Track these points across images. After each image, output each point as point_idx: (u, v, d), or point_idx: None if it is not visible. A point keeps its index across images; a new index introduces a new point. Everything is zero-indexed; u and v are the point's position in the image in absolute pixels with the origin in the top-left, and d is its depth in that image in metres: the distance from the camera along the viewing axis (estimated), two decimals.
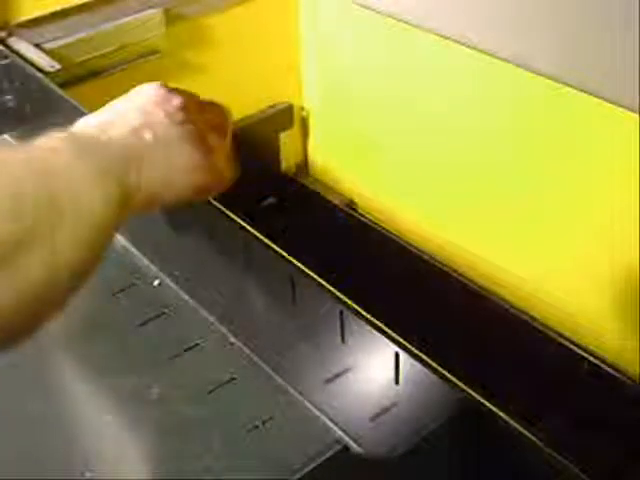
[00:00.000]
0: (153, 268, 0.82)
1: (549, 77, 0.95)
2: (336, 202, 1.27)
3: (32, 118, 0.94)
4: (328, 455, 0.63)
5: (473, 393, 0.60)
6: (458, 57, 1.05)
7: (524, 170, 1.04)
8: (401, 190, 1.22)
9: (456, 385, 0.60)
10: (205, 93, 1.18)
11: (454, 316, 1.08)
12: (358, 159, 1.28)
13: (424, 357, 0.62)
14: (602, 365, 0.97)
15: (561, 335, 1.02)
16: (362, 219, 1.24)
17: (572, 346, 1.00)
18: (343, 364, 0.68)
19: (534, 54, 0.96)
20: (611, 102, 0.90)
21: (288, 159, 1.33)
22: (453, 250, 1.15)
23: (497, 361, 1.02)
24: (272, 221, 1.25)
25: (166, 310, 0.78)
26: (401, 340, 0.63)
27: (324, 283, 0.67)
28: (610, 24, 0.89)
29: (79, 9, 1.02)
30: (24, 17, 0.99)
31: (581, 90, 0.92)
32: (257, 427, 0.68)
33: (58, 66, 0.90)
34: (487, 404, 0.59)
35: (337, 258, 1.16)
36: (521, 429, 0.57)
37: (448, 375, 0.61)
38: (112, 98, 1.05)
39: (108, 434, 0.70)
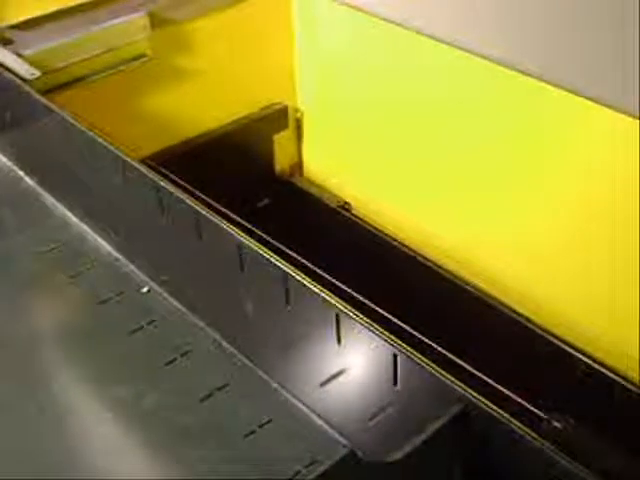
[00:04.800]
0: (141, 275, 0.81)
1: (539, 78, 0.94)
2: (330, 203, 1.27)
3: (13, 126, 0.93)
4: (336, 456, 0.62)
5: (472, 393, 0.59)
6: (452, 58, 1.04)
7: (520, 171, 1.04)
8: (395, 191, 1.22)
9: (454, 386, 0.59)
10: (198, 95, 1.19)
11: (451, 316, 1.07)
12: (352, 160, 1.28)
13: (422, 358, 0.61)
14: (601, 366, 0.96)
15: (560, 336, 1.01)
16: (356, 220, 1.24)
17: (571, 347, 0.99)
18: (339, 366, 0.67)
19: (525, 55, 0.96)
20: (608, 105, 0.90)
21: (282, 160, 1.33)
22: (449, 251, 1.15)
23: (496, 362, 1.01)
24: (266, 222, 1.25)
25: (156, 317, 0.77)
26: (398, 341, 0.62)
27: (318, 286, 0.66)
28: (607, 24, 0.88)
29: (62, 14, 1.01)
30: (6, 23, 0.97)
31: (574, 92, 0.92)
32: (253, 432, 0.67)
33: (38, 73, 0.89)
34: (486, 405, 0.58)
35: (331, 259, 1.15)
36: (521, 430, 0.56)
37: (446, 375, 0.60)
38: (99, 102, 1.06)
39: (102, 443, 0.68)
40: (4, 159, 0.97)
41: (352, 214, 1.26)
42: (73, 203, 0.89)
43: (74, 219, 0.89)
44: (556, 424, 0.81)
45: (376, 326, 0.63)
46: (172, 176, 0.92)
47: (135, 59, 1.07)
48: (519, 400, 0.82)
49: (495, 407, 0.58)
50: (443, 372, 0.60)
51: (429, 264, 1.15)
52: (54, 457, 0.66)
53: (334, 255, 1.18)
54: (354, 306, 0.65)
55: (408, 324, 1.02)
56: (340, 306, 0.64)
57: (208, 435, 0.67)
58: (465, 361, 1.00)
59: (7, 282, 0.83)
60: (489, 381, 0.86)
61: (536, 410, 0.82)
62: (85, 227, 0.88)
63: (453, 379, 0.60)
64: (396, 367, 0.62)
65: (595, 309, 1.00)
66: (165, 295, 0.79)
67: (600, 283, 0.99)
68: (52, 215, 0.90)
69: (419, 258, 1.16)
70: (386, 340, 0.62)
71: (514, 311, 1.06)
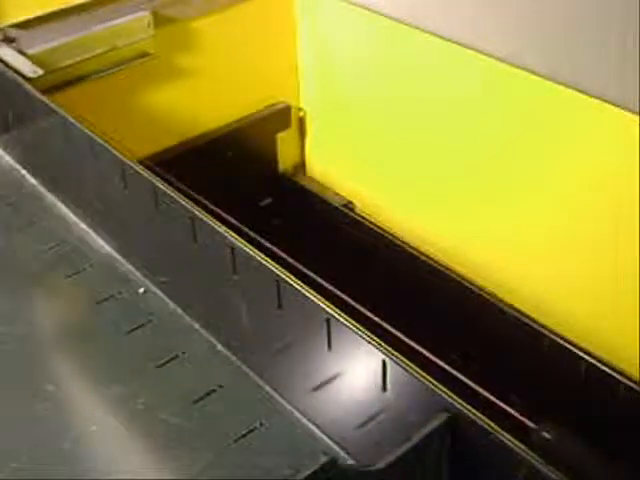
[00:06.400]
0: (138, 275, 0.82)
1: (544, 76, 0.94)
2: (333, 202, 1.26)
3: (16, 125, 0.93)
4: (316, 464, 0.62)
5: (460, 402, 0.58)
6: (455, 57, 1.04)
7: (523, 169, 1.03)
8: (399, 190, 1.22)
9: (442, 394, 0.59)
10: (201, 94, 1.19)
11: (451, 316, 1.07)
12: (355, 159, 1.27)
13: (410, 364, 0.61)
14: (601, 365, 0.95)
15: (561, 335, 1.00)
16: (359, 219, 1.23)
17: (571, 346, 0.98)
18: (330, 372, 0.67)
19: (527, 52, 0.95)
20: (609, 102, 0.89)
21: (285, 159, 1.33)
22: (451, 250, 1.14)
23: (496, 362, 1.01)
24: (269, 221, 1.25)
25: (152, 318, 0.78)
26: (387, 347, 0.62)
27: (309, 290, 0.66)
28: (609, 22, 0.87)
29: (66, 13, 1.01)
30: (9, 21, 0.98)
31: (575, 89, 0.91)
32: (244, 436, 0.67)
33: (41, 71, 0.89)
34: (474, 414, 0.57)
35: (334, 258, 1.15)
36: (508, 440, 0.56)
37: (435, 383, 0.59)
38: (103, 101, 1.06)
39: (94, 444, 0.69)
40: (6, 157, 0.97)
41: (355, 213, 1.25)
42: (73, 203, 0.90)
43: (74, 219, 0.89)
44: (545, 435, 0.81)
45: (366, 332, 0.63)
46: (173, 177, 0.92)
47: (138, 58, 1.07)
48: (509, 409, 0.82)
49: (483, 416, 0.58)
50: (431, 379, 0.60)
51: (432, 263, 1.15)
52: (47, 456, 0.66)
53: (337, 254, 1.19)
54: (352, 310, 0.65)
55: (409, 324, 1.02)
56: (331, 311, 0.64)
57: (199, 438, 0.67)
58: (465, 361, 1.00)
59: (6, 280, 0.83)
60: (480, 390, 0.86)
61: (526, 419, 0.81)
62: (85, 227, 0.88)
63: (441, 387, 0.60)
64: (385, 373, 0.62)
65: (598, 307, 1.00)
66: (162, 296, 0.80)
67: (602, 281, 0.98)
68: (52, 214, 0.90)
69: (423, 257, 1.16)
70: (375, 346, 0.62)
71: (517, 310, 1.06)
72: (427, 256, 1.15)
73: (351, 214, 1.25)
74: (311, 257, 1.04)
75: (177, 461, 0.65)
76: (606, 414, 0.94)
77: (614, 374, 0.95)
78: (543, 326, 1.03)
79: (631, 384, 0.94)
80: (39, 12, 1.00)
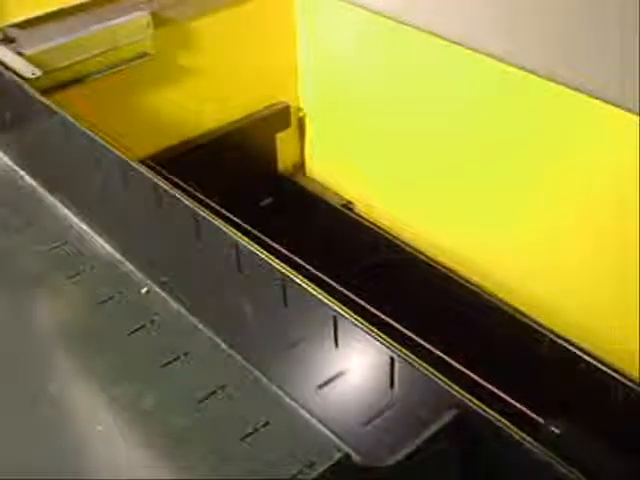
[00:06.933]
0: (141, 276, 0.81)
1: (544, 76, 0.94)
2: (333, 202, 1.26)
3: (14, 125, 0.93)
4: (330, 461, 0.62)
5: (469, 398, 0.58)
6: (455, 57, 1.04)
7: (522, 171, 1.03)
8: (397, 190, 1.22)
9: (451, 390, 0.59)
10: (201, 94, 1.19)
11: (452, 316, 1.07)
12: (355, 159, 1.27)
13: (418, 361, 0.61)
14: (601, 365, 0.95)
15: (561, 335, 1.00)
16: (359, 219, 1.23)
17: (571, 346, 0.98)
18: (337, 369, 0.67)
19: (527, 52, 0.95)
20: (610, 103, 0.89)
21: (285, 159, 1.33)
22: (450, 250, 1.14)
23: (498, 361, 1.01)
24: (269, 221, 1.25)
25: (155, 318, 0.77)
26: (395, 345, 0.62)
27: (316, 288, 0.66)
28: (609, 22, 0.88)
29: (65, 13, 1.01)
30: (9, 21, 0.97)
31: (578, 90, 0.91)
32: (250, 435, 0.67)
33: (39, 72, 0.88)
34: (483, 410, 0.57)
35: (333, 258, 1.15)
36: (517, 435, 0.56)
37: (443, 379, 0.59)
38: (102, 101, 1.05)
39: (99, 444, 0.68)
40: (5, 158, 0.97)
41: (355, 213, 1.26)
42: (73, 203, 0.89)
43: (74, 219, 0.89)
44: (554, 429, 0.81)
45: (373, 329, 0.63)
46: (174, 177, 0.92)
47: (137, 58, 1.07)
48: (517, 405, 0.82)
49: (492, 412, 0.58)
50: (440, 376, 0.60)
51: (431, 263, 1.15)
52: (51, 457, 0.66)
53: (336, 254, 1.18)
54: (355, 308, 0.65)
55: (410, 324, 1.02)
56: (338, 309, 0.64)
57: (205, 437, 0.66)
58: (465, 361, 1.00)
59: (7, 281, 0.83)
60: (487, 385, 0.85)
61: (534, 415, 0.82)
62: (85, 227, 0.88)
63: (450, 383, 0.59)
64: (393, 370, 0.62)
65: (598, 307, 1.00)
66: (164, 296, 0.79)
67: (602, 281, 0.98)
68: (52, 215, 0.90)
69: (421, 257, 1.16)
70: (383, 343, 0.62)
71: (517, 310, 1.06)
72: (427, 256, 1.15)
73: (351, 214, 1.25)
74: (311, 257, 1.04)
75: (182, 461, 0.65)
76: (606, 414, 0.94)
77: (614, 374, 0.95)
78: (543, 326, 1.03)
79: (631, 384, 0.94)
80: (39, 12, 0.99)
